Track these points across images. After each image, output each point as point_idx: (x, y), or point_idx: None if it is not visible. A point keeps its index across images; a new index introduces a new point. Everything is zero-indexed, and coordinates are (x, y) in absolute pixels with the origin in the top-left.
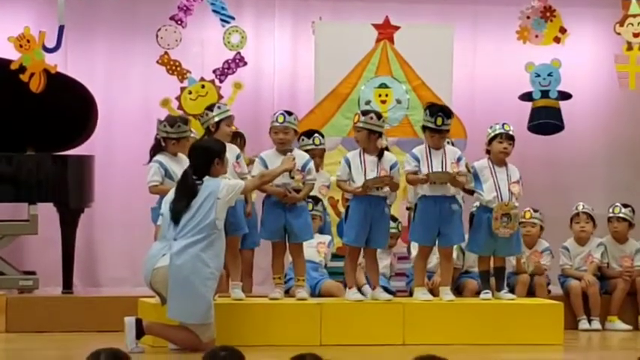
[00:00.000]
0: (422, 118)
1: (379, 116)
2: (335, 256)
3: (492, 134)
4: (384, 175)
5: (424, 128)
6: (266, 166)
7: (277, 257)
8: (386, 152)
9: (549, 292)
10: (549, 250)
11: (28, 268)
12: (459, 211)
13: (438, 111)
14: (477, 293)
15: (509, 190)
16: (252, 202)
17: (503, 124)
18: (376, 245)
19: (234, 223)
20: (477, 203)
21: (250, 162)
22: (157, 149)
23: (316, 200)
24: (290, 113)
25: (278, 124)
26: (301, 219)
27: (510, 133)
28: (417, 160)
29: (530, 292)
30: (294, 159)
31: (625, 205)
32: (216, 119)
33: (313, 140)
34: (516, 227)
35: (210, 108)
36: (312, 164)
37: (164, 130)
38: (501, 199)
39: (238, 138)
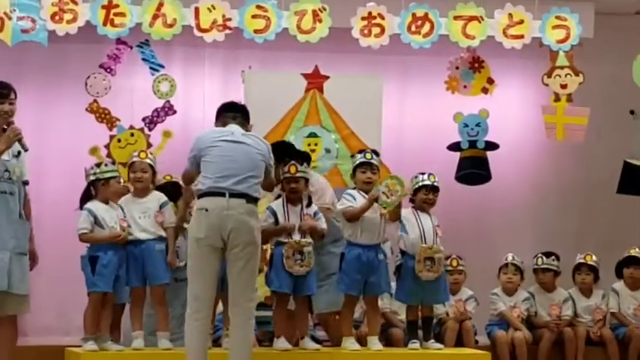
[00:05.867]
0: (350, 166)
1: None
2: (261, 305)
3: (417, 186)
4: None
5: (354, 171)
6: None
7: None
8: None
9: (477, 342)
10: (474, 297)
11: None
12: (384, 260)
13: (364, 149)
14: (406, 343)
15: (434, 233)
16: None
17: (429, 175)
18: (307, 291)
19: (155, 272)
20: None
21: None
22: (87, 196)
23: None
24: None
25: None
26: None
27: (435, 184)
28: (354, 198)
29: (458, 339)
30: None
31: (548, 255)
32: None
33: None
34: (441, 271)
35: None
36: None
37: (92, 172)
38: (425, 242)
39: (169, 187)
